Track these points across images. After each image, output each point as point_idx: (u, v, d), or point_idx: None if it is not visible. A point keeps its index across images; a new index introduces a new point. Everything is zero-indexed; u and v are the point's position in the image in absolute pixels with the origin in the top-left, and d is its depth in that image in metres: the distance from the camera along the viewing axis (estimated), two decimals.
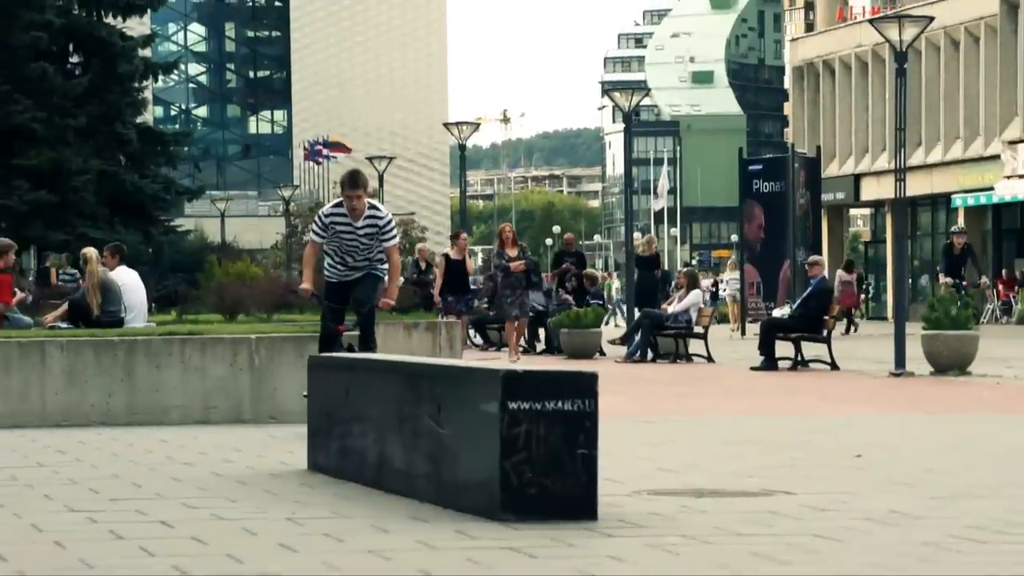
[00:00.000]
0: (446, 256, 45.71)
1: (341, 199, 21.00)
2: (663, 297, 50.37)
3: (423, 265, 60.95)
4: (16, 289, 36.26)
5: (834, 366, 40.53)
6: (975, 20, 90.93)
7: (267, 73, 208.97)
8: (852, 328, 67.42)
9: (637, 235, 58.55)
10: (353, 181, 20.76)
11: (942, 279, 37.68)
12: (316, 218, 21.50)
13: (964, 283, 36.30)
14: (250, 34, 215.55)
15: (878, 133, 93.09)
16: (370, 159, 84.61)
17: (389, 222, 21.08)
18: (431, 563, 11.88)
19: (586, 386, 14.23)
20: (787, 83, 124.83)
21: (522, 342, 44.68)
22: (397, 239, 20.70)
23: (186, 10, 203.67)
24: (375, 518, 14.13)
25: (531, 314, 46.56)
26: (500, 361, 42.38)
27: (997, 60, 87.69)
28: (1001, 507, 14.89)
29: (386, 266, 20.81)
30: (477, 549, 12.42)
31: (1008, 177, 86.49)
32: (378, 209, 21.06)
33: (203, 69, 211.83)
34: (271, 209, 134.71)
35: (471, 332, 55.67)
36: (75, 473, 18.09)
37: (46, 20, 70.91)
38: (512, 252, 44.77)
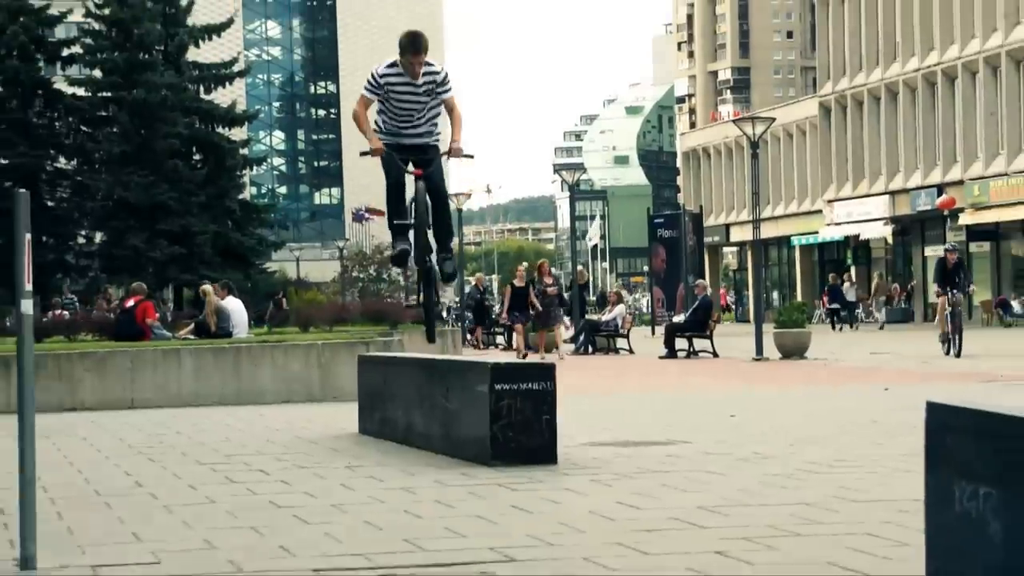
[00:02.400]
0: (512, 284, 44.99)
1: (392, 61, 14.82)
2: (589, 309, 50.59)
3: (481, 289, 61.21)
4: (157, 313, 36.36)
5: (715, 354, 40.61)
6: (803, 119, 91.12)
7: (326, 163, 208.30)
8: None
9: (580, 268, 57.84)
10: (416, 44, 14.49)
11: (935, 288, 35.11)
12: (370, 76, 14.95)
13: (955, 291, 33.85)
14: (314, 137, 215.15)
15: (740, 196, 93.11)
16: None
17: (447, 74, 14.95)
18: (444, 495, 11.93)
19: (547, 373, 14.35)
20: (679, 163, 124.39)
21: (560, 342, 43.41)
22: (453, 91, 14.94)
23: (271, 122, 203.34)
24: (405, 465, 14.16)
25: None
26: (498, 355, 42.39)
27: (818, 146, 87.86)
28: (832, 450, 14.87)
29: (439, 134, 15.02)
30: (475, 485, 12.47)
31: (827, 225, 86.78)
32: (431, 64, 14.85)
33: (283, 161, 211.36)
34: (330, 255, 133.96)
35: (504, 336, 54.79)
36: (201, 438, 18.05)
37: (177, 132, 71.06)
38: (548, 280, 44.47)
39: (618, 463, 13.91)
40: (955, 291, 33.21)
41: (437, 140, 15.09)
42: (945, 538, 7.47)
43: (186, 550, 9.44)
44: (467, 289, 62.98)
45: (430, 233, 15.51)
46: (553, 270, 54.90)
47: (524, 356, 38.91)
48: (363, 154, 15.44)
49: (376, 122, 15.13)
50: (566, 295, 48.16)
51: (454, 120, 14.87)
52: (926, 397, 7.97)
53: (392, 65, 14.64)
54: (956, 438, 7.51)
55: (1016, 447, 7.08)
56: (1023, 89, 70.84)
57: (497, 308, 62.20)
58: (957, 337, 33.13)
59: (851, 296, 73.63)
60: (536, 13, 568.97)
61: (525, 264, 55.64)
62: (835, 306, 70.34)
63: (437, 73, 14.72)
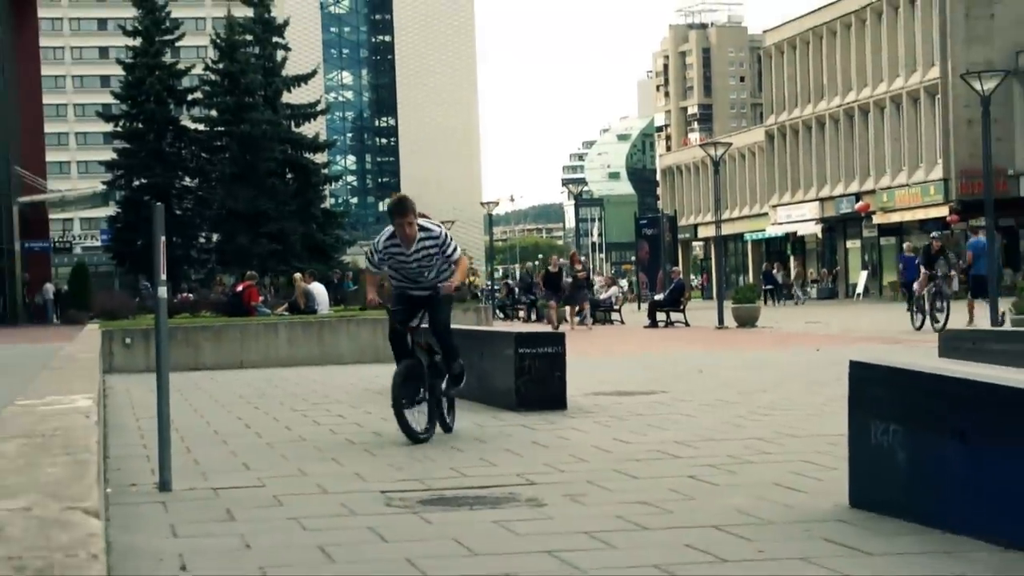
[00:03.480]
0: (547, 270, 44.42)
1: (391, 231, 11.97)
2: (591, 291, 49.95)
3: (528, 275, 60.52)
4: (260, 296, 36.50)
5: (687, 324, 40.47)
6: (752, 143, 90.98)
7: (387, 179, 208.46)
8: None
9: (583, 258, 57.43)
10: (401, 207, 11.79)
11: (923, 271, 31.37)
12: (369, 250, 12.34)
13: (938, 273, 31.11)
14: (378, 159, 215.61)
15: (706, 202, 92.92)
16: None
17: (447, 238, 12.03)
18: (481, 431, 11.97)
19: (559, 339, 14.37)
20: (658, 177, 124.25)
21: (578, 318, 42.88)
22: (459, 251, 12.23)
23: (345, 148, 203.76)
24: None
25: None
26: (529, 327, 42.31)
27: (764, 164, 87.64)
28: (777, 397, 14.83)
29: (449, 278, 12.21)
30: (504, 426, 12.48)
31: (772, 224, 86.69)
32: (430, 230, 11.97)
33: (354, 178, 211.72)
34: None
35: (527, 311, 53.31)
36: (294, 390, 18.07)
37: (274, 157, 71.48)
38: (579, 267, 44.19)
39: (614, 408, 13.91)
40: (935, 272, 30.93)
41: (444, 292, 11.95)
42: (863, 464, 7.48)
43: (284, 476, 9.47)
44: (506, 276, 62.72)
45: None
46: (582, 259, 54.75)
47: (556, 328, 38.57)
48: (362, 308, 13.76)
49: (375, 268, 12.32)
50: (593, 278, 48.12)
51: (457, 269, 11.97)
52: (848, 356, 7.99)
53: (392, 236, 11.77)
54: (872, 387, 7.52)
55: (916, 393, 7.09)
56: (919, 119, 70.70)
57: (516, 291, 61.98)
58: (945, 311, 30.06)
59: (780, 279, 74.10)
60: (549, 62, 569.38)
61: (566, 254, 55.24)
62: (768, 287, 70.21)
63: (436, 237, 11.77)
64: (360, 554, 6.60)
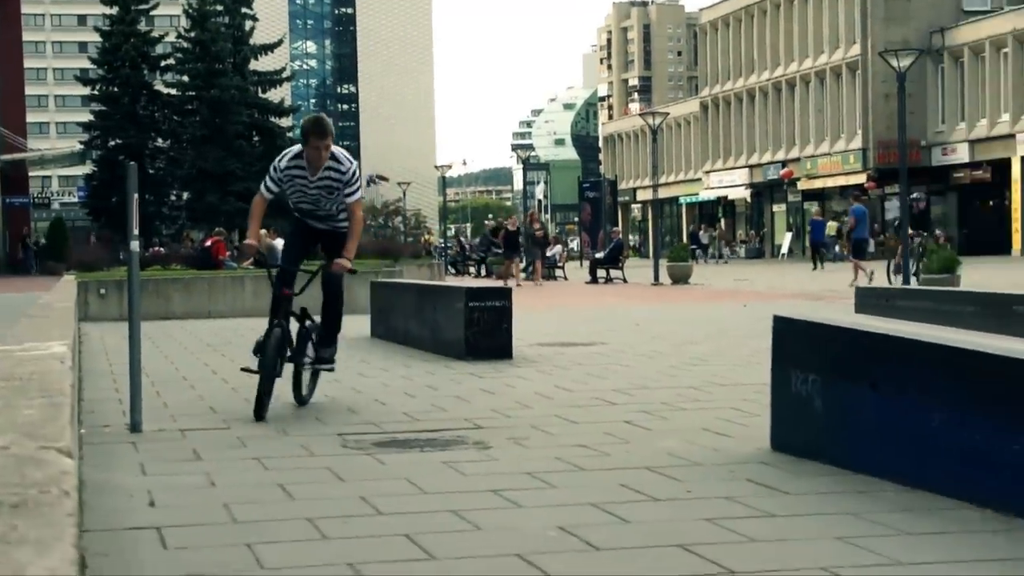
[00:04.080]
0: (506, 228, 44.04)
1: (298, 151, 9.96)
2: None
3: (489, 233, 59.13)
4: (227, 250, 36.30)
5: (625, 280, 40.59)
6: (688, 114, 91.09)
7: (347, 143, 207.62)
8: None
9: (515, 218, 57.04)
10: (321, 128, 9.77)
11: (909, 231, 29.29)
12: (271, 168, 10.11)
13: (924, 233, 29.66)
14: (340, 124, 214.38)
15: (644, 168, 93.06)
16: (399, 183, 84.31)
17: (353, 174, 10.00)
18: (432, 379, 11.94)
19: (506, 294, 14.36)
20: (601, 144, 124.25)
21: (524, 274, 42.64)
22: (359, 194, 10.20)
23: (308, 96, 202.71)
24: (403, 360, 14.14)
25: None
26: (479, 282, 42.30)
27: (699, 133, 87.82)
28: (707, 348, 14.89)
29: (345, 226, 10.24)
30: (454, 374, 12.47)
31: (705, 189, 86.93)
32: (340, 161, 9.93)
33: None
34: None
35: (480, 268, 53.11)
36: (257, 339, 17.99)
37: (242, 120, 71.19)
38: (536, 226, 44.06)
39: (556, 358, 13.93)
40: (923, 232, 29.15)
41: (344, 230, 10.17)
42: (784, 411, 7.53)
43: (247, 419, 9.45)
44: (458, 234, 62.53)
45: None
46: (543, 218, 54.61)
47: (518, 285, 38.51)
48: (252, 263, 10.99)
49: (268, 194, 10.09)
50: (549, 237, 47.93)
51: (350, 229, 10.06)
52: (773, 311, 8.01)
53: (297, 157, 9.85)
54: (792, 340, 7.56)
55: (832, 346, 7.13)
56: (841, 93, 70.93)
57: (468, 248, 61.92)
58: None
59: (705, 240, 74.48)
60: (501, 35, 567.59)
61: (530, 213, 54.64)
62: (694, 247, 70.61)
63: (343, 173, 9.84)
64: (318, 492, 6.61)
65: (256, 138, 73.84)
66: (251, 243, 10.06)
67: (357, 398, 10.66)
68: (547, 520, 5.78)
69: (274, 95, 77.89)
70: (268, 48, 76.47)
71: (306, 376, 10.39)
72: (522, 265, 42.05)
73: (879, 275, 31.53)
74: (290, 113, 79.53)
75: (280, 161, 9.89)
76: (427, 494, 6.49)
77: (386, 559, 5.12)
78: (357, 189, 10.00)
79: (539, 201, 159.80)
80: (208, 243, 35.37)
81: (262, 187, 9.96)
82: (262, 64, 77.77)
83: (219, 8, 74.82)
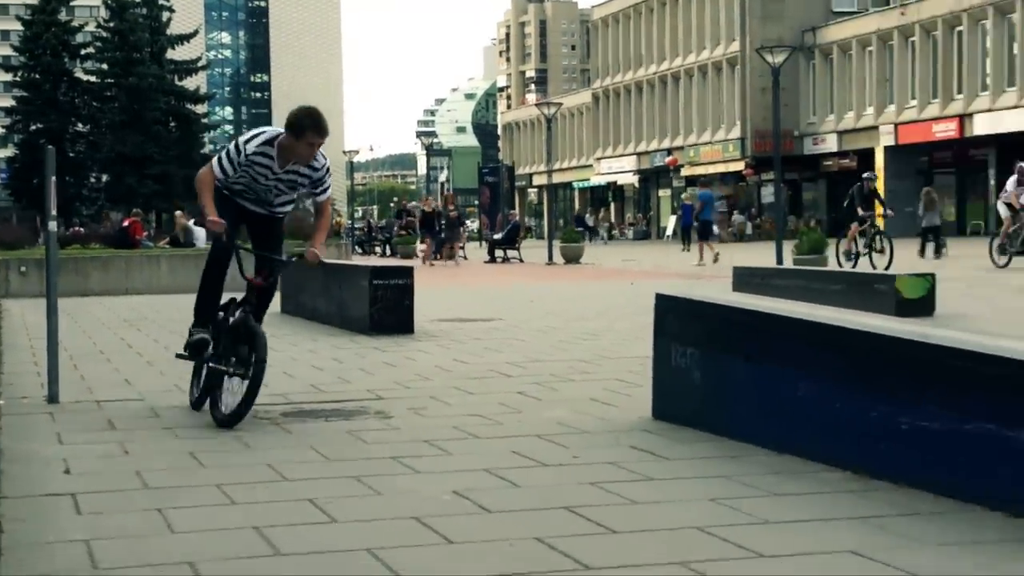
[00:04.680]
0: (422, 210, 43.62)
1: (271, 137, 8.18)
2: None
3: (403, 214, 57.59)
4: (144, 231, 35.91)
5: (521, 260, 40.63)
6: (581, 104, 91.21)
7: (260, 124, 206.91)
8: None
9: (431, 200, 56.55)
10: (322, 125, 8.13)
11: (860, 212, 26.71)
12: (233, 148, 8.30)
13: (873, 213, 27.15)
14: (253, 111, 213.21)
15: (540, 154, 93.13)
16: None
17: (327, 171, 8.45)
18: (338, 353, 11.88)
19: (408, 272, 14.29)
20: (500, 132, 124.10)
21: (461, 253, 42.41)
22: (330, 192, 8.71)
23: (223, 100, 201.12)
24: (311, 335, 14.05)
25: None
26: (384, 261, 42.12)
27: (591, 122, 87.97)
28: (596, 324, 14.94)
29: (287, 209, 8.72)
30: (358, 348, 12.42)
31: (596, 174, 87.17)
32: (316, 159, 8.31)
33: (231, 127, 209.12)
34: None
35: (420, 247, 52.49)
36: (173, 315, 17.81)
37: (159, 107, 70.35)
38: (451, 207, 43.80)
39: (455, 333, 13.91)
40: (871, 214, 27.08)
41: (283, 215, 8.70)
42: (665, 382, 7.57)
43: (161, 391, 9.37)
44: (364, 216, 62.01)
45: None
46: (457, 200, 54.26)
47: (432, 264, 38.40)
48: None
49: (221, 175, 8.27)
50: (465, 219, 47.78)
51: (320, 223, 8.65)
52: (657, 289, 8.05)
53: (267, 144, 8.11)
54: (673, 316, 7.60)
55: (710, 322, 7.19)
56: (721, 86, 71.43)
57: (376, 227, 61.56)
58: (889, 248, 26.13)
59: (590, 223, 74.94)
60: (407, 28, 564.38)
61: (419, 198, 54.44)
62: (580, 229, 71.00)
63: (317, 170, 8.28)
64: (227, 460, 6.56)
65: (173, 124, 73.20)
66: (219, 220, 8.20)
67: (267, 371, 10.58)
68: (443, 485, 5.79)
69: (190, 83, 77.16)
70: (184, 38, 75.65)
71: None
72: (435, 245, 41.87)
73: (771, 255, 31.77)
74: (205, 100, 78.99)
75: (247, 144, 8.10)
76: (331, 461, 6.47)
77: (290, 523, 5.10)
78: (330, 186, 8.53)
79: (441, 184, 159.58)
80: (126, 223, 34.94)
81: (216, 166, 8.15)
82: (178, 53, 76.96)
83: (137, 0, 73.97)
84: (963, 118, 56.92)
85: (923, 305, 14.71)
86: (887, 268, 24.06)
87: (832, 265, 24.01)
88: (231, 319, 8.72)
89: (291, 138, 7.97)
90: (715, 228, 44.32)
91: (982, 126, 55.89)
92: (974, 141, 57.16)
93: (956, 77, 57.87)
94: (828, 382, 6.04)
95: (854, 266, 25.74)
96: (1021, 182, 26.79)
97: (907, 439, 5.51)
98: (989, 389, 5.12)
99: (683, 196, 51.54)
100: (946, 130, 58.02)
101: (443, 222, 42.01)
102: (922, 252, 32.33)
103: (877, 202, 27.76)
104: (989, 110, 55.52)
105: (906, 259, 27.53)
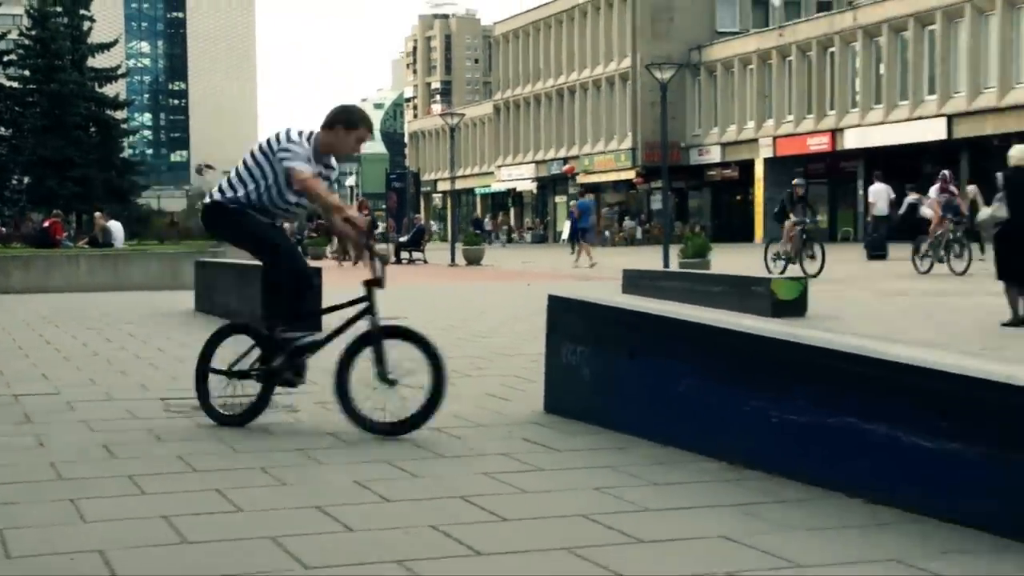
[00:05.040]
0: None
1: (312, 134, 7.32)
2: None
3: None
4: (65, 231, 35.38)
5: (426, 262, 40.53)
6: (483, 115, 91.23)
7: (178, 134, 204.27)
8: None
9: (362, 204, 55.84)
10: (370, 123, 7.61)
11: (791, 216, 25.30)
12: (298, 146, 7.16)
13: (805, 219, 25.52)
14: (171, 117, 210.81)
15: (444, 162, 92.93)
16: (224, 172, 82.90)
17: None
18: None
19: (316, 272, 14.13)
20: (407, 140, 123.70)
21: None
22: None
23: (142, 106, 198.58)
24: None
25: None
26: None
27: (492, 131, 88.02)
28: (496, 322, 14.94)
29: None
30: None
31: (497, 181, 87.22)
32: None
33: (150, 132, 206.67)
34: (181, 194, 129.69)
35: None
36: (91, 312, 17.58)
37: (80, 112, 69.21)
38: (365, 211, 43.36)
39: (359, 331, 13.81)
40: (805, 219, 25.73)
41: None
42: (556, 378, 7.60)
43: (77, 385, 9.24)
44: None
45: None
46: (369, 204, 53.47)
47: (342, 263, 37.94)
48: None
49: (246, 191, 7.40)
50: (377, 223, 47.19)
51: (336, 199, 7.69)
52: (550, 290, 8.07)
53: (308, 140, 7.31)
54: (564, 316, 7.63)
55: (598, 321, 7.22)
56: (614, 100, 71.81)
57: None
58: (821, 254, 24.87)
59: (489, 227, 75.09)
60: (320, 40, 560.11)
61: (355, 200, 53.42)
62: (478, 232, 71.17)
63: (334, 169, 7.67)
64: (139, 451, 6.48)
65: (93, 129, 71.98)
66: (359, 217, 7.76)
67: (179, 367, 10.45)
68: (346, 475, 5.76)
69: (110, 90, 75.84)
70: (104, 47, 74.56)
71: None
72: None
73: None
74: (124, 107, 77.65)
75: (300, 137, 7.31)
76: (239, 453, 6.41)
77: (198, 512, 5.05)
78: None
79: (351, 188, 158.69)
80: (47, 224, 34.39)
81: (305, 166, 7.19)
82: (99, 61, 75.79)
83: (59, 9, 72.74)
84: (835, 133, 57.80)
85: (796, 306, 14.91)
86: (817, 274, 23.61)
87: (715, 268, 24.18)
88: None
89: (341, 131, 7.34)
90: (594, 234, 45.14)
91: (852, 140, 56.78)
92: (845, 154, 58.04)
93: (829, 95, 58.76)
94: (707, 378, 6.10)
95: (782, 271, 24.34)
96: (943, 190, 26.07)
97: (777, 432, 5.58)
98: (851, 386, 5.21)
99: (570, 205, 51.84)
100: (819, 143, 58.88)
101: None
102: None
103: (803, 207, 26.04)
104: (858, 125, 56.41)
105: (839, 266, 27.43)
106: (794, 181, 27.23)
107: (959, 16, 51.57)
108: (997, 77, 49.55)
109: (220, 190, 7.57)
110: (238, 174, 7.54)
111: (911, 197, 30.22)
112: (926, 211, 26.20)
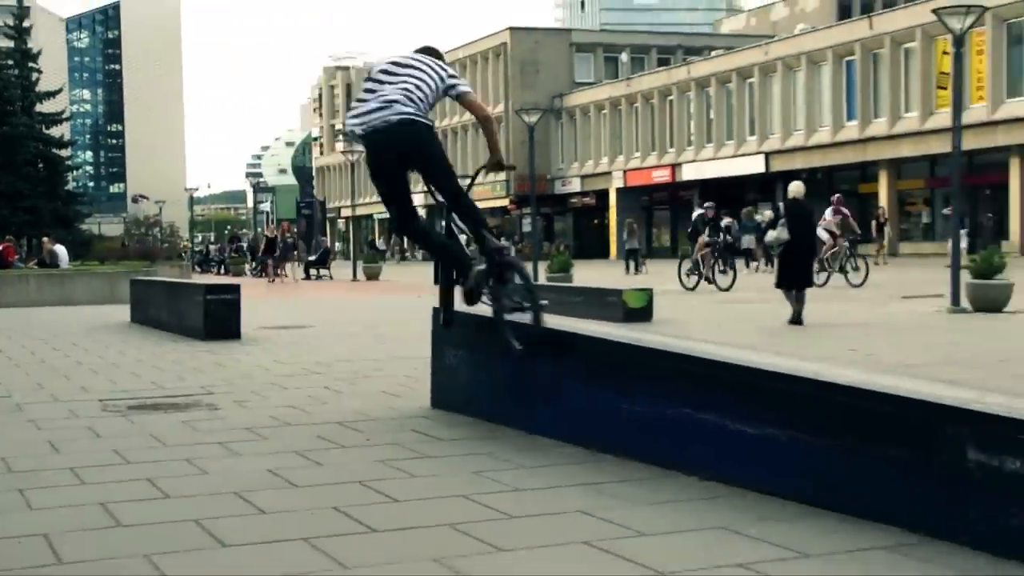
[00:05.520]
0: (267, 236, 41.94)
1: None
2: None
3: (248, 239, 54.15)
4: (16, 253, 34.37)
5: (331, 278, 40.11)
6: None
7: (116, 169, 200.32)
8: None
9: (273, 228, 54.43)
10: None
11: (707, 237, 23.85)
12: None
13: (718, 239, 24.00)
14: (110, 155, 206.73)
15: (346, 192, 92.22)
16: (156, 201, 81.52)
17: None
18: (176, 356, 11.50)
19: (236, 288, 13.99)
20: (315, 173, 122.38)
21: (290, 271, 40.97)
22: None
23: (85, 145, 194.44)
24: (156, 340, 13.63)
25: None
26: (212, 279, 41.06)
27: None
28: (391, 330, 14.82)
29: None
30: (195, 351, 12.07)
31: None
32: None
33: (92, 168, 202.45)
34: (119, 221, 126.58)
35: (255, 266, 47.38)
36: (40, 324, 17.09)
37: (30, 151, 67.58)
38: (288, 234, 42.13)
39: (274, 338, 13.67)
40: (716, 238, 24.10)
41: None
42: (440, 378, 7.58)
43: (25, 389, 8.99)
44: (204, 241, 60.48)
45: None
46: (293, 228, 52.21)
47: (272, 281, 37.38)
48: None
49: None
50: (299, 243, 46.15)
51: None
52: (436, 303, 8.04)
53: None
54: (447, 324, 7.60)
55: (474, 329, 7.21)
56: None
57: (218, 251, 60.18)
58: (732, 271, 23.74)
59: (382, 246, 74.71)
60: (241, 86, 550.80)
61: (275, 223, 52.43)
62: (372, 252, 70.63)
63: None
64: (79, 446, 6.33)
65: (41, 165, 70.23)
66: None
67: (116, 371, 10.23)
68: (260, 465, 5.68)
69: (56, 131, 73.97)
70: (51, 95, 72.84)
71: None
72: (278, 266, 40.40)
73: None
74: (68, 146, 75.83)
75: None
76: (167, 446, 6.29)
77: (131, 499, 4.95)
78: None
79: (266, 215, 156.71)
80: (0, 248, 33.38)
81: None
82: (46, 107, 73.93)
83: (11, 63, 71.08)
84: (674, 167, 58.61)
85: (644, 313, 15.07)
86: (730, 287, 22.71)
87: (577, 282, 24.27)
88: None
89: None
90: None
91: (689, 173, 57.64)
92: (683, 184, 58.86)
93: (669, 135, 59.58)
94: (565, 376, 6.13)
95: (694, 287, 23.39)
96: (837, 211, 25.11)
97: (626, 421, 5.63)
98: (684, 382, 5.27)
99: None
100: (662, 176, 59.66)
101: (281, 245, 41.13)
102: (627, 270, 33.10)
103: (712, 228, 24.48)
104: (694, 160, 57.29)
105: (752, 280, 26.11)
106: (705, 204, 25.69)
107: (773, 71, 52.78)
108: (804, 121, 50.76)
109: (419, 113, 6.33)
110: (426, 98, 6.41)
111: (724, 221, 30.10)
112: (822, 232, 23.65)
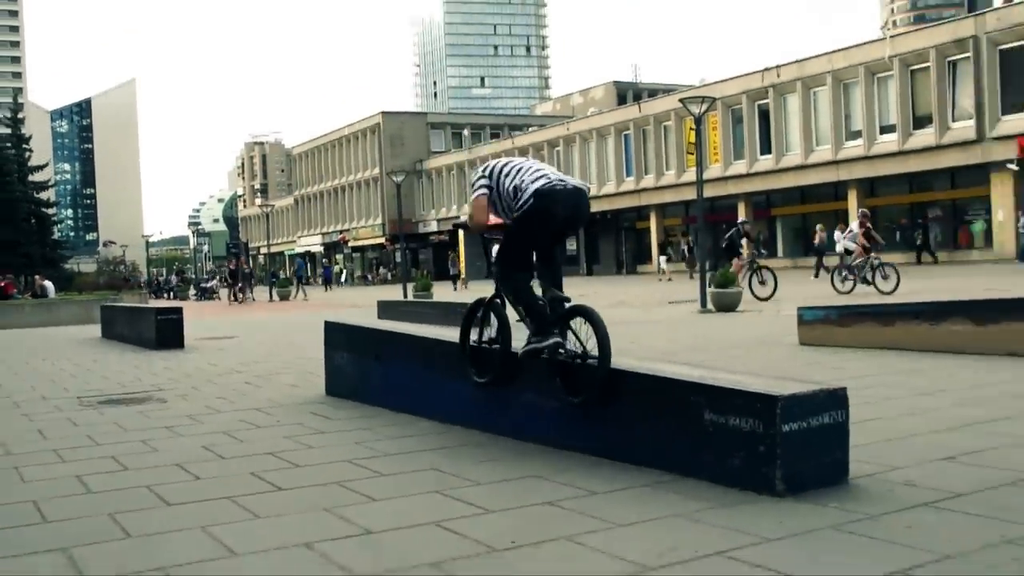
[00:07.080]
0: (229, 268, 38.84)
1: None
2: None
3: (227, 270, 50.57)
4: (13, 287, 32.44)
5: (254, 300, 38.93)
6: (288, 204, 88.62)
7: (90, 222, 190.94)
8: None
9: (234, 261, 52.43)
10: None
11: (744, 250, 20.07)
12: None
13: (756, 252, 19.47)
14: (85, 211, 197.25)
15: (264, 235, 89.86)
16: (121, 245, 77.94)
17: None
18: (136, 361, 11.03)
19: (179, 311, 13.52)
20: (240, 222, 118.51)
21: (250, 295, 38.55)
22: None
23: (66, 205, 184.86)
24: (120, 351, 13.03)
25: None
26: (163, 303, 39.36)
27: (293, 214, 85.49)
28: (301, 338, 14.47)
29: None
30: (149, 358, 11.56)
31: (298, 246, 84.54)
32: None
33: (72, 222, 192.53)
34: (93, 261, 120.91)
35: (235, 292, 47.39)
36: (30, 342, 16.15)
37: (26, 211, 64.32)
38: (245, 265, 40.06)
39: (210, 346, 13.21)
40: (754, 251, 19.83)
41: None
42: (332, 373, 7.46)
43: (22, 391, 8.48)
44: (158, 275, 57.63)
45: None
46: (246, 262, 49.12)
47: (231, 303, 35.59)
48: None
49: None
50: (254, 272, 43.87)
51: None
52: (327, 318, 7.91)
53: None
54: (335, 333, 7.50)
55: (355, 336, 7.13)
56: (371, 193, 71.02)
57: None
58: (773, 280, 18.58)
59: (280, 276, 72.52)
60: (185, 154, 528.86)
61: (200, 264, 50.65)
62: (273, 280, 68.74)
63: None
64: (61, 433, 6.03)
65: (33, 221, 67.00)
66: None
67: (89, 375, 9.76)
68: (197, 443, 5.52)
69: (44, 195, 70.52)
70: (39, 168, 69.46)
71: None
72: (240, 288, 37.93)
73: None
74: (53, 206, 72.32)
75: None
76: (127, 431, 6.05)
77: (99, 472, 4.76)
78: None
79: (204, 254, 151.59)
80: (2, 284, 31.61)
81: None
82: (36, 177, 70.34)
83: (8, 145, 67.69)
84: None
85: None
86: (770, 297, 18.11)
87: (436, 298, 24.14)
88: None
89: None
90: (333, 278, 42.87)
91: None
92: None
93: None
94: (414, 369, 6.13)
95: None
96: (862, 225, 19.00)
97: (466, 400, 5.66)
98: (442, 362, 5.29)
99: (323, 261, 50.78)
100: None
101: (240, 275, 39.33)
102: (454, 288, 32.97)
103: (748, 242, 20.39)
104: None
105: (790, 288, 20.85)
106: (740, 220, 21.80)
107: (573, 141, 53.63)
108: (595, 177, 51.64)
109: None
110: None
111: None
112: (849, 244, 19.48)
